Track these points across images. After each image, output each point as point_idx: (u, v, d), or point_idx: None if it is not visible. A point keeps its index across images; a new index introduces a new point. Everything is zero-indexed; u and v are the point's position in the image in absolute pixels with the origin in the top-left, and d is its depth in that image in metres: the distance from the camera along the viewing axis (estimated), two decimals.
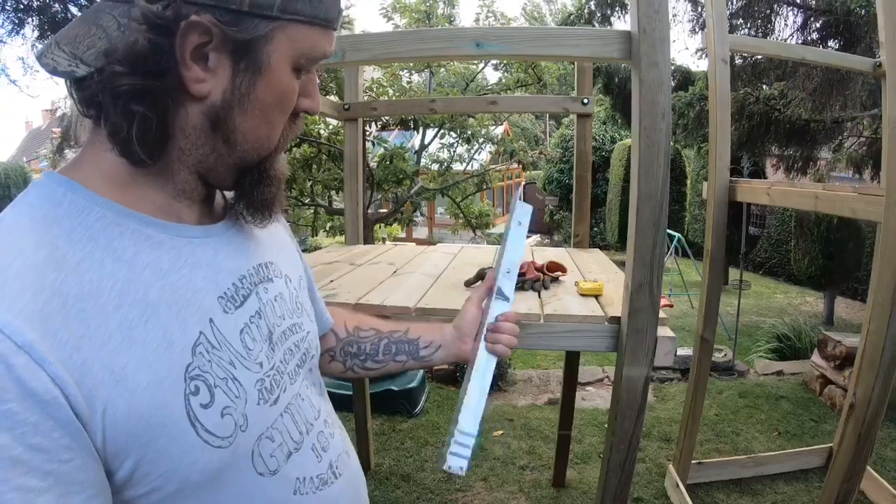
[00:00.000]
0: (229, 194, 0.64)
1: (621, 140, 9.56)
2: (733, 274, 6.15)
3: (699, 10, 3.78)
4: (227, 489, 0.51)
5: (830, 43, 3.38)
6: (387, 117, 4.85)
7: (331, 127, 4.81)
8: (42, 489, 0.38)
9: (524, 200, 0.99)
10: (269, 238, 0.68)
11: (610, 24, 4.60)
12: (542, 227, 13.23)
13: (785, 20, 3.48)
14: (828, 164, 4.42)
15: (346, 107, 2.46)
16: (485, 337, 0.85)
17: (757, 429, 3.13)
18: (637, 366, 1.23)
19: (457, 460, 0.80)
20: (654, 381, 3.98)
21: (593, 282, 1.49)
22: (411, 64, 5.16)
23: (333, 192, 5.37)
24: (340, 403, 3.32)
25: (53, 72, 0.49)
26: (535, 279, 1.56)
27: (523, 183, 17.25)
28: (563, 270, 1.66)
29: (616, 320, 1.28)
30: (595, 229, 11.21)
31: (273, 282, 0.63)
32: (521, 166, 6.28)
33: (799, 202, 1.85)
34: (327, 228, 5.57)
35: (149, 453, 0.45)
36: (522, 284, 1.54)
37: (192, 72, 0.49)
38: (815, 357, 3.49)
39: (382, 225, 6.04)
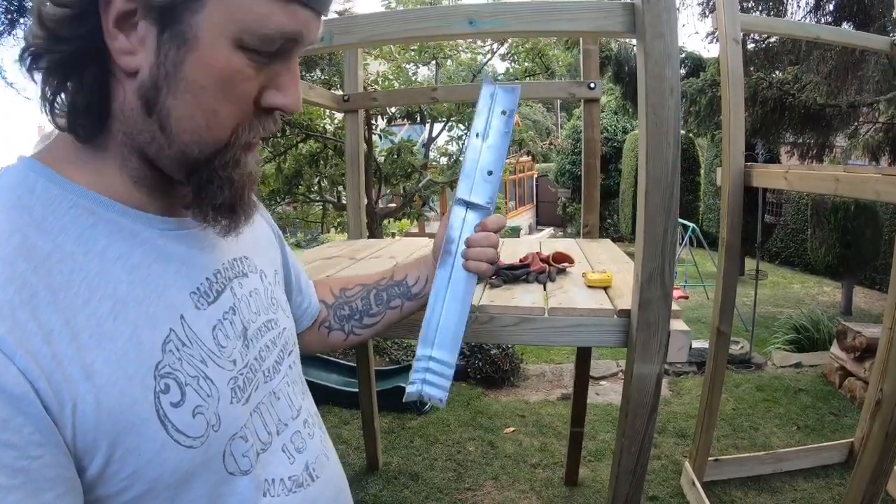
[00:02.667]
0: None
1: (633, 130, 9.41)
2: (749, 264, 6.02)
3: None
4: (197, 489, 0.49)
5: (844, 24, 3.25)
6: (393, 110, 4.78)
7: (336, 121, 4.76)
8: (11, 486, 0.37)
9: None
10: (245, 231, 0.64)
11: None
12: (556, 219, 13.11)
13: (798, 2, 3.37)
14: (843, 151, 4.28)
15: (346, 98, 2.40)
16: (462, 254, 0.76)
17: (775, 423, 3.04)
18: (649, 362, 1.16)
19: (436, 391, 0.74)
20: (669, 374, 3.89)
21: (602, 273, 1.42)
22: (416, 56, 5.09)
23: (341, 188, 5.32)
24: (347, 400, 3.30)
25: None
26: (541, 271, 1.49)
27: (535, 176, 17.13)
28: (571, 261, 1.59)
29: (626, 313, 1.21)
30: (608, 221, 11.10)
31: (248, 277, 0.61)
32: (532, 158, 6.19)
33: (818, 186, 1.76)
34: (336, 224, 5.54)
35: (118, 451, 0.43)
36: (527, 277, 1.48)
37: (118, 42, 0.45)
38: (835, 348, 3.39)
39: (392, 220, 5.98)
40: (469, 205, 0.77)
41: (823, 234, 4.86)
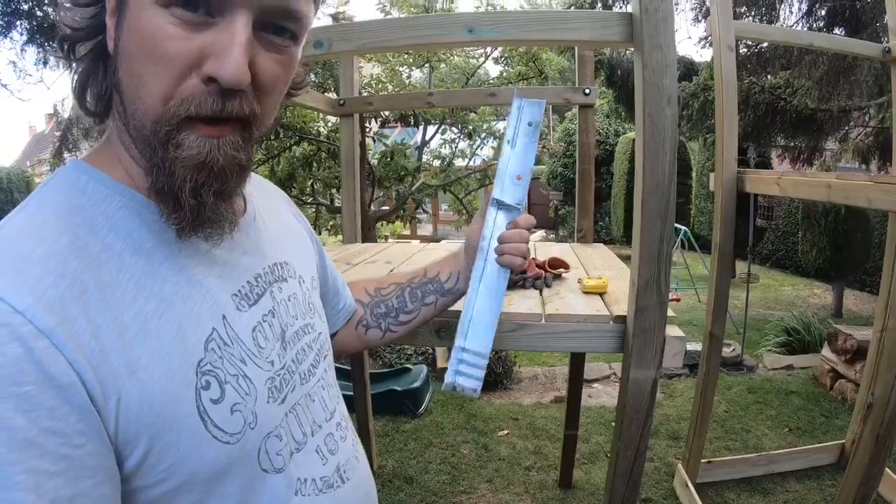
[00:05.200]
0: (247, 192, 0.61)
1: (625, 133, 9.46)
2: (741, 267, 6.08)
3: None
4: (231, 485, 0.50)
5: (836, 30, 3.30)
6: (387, 113, 4.79)
7: (330, 124, 4.76)
8: (53, 473, 0.38)
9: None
10: (285, 236, 0.67)
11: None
12: (547, 222, 13.16)
13: (790, 7, 3.41)
14: (834, 154, 4.33)
15: (341, 102, 2.40)
16: (495, 250, 0.81)
17: (767, 425, 3.07)
18: (644, 367, 1.17)
19: (470, 381, 0.77)
20: (662, 377, 3.91)
21: (597, 279, 1.43)
22: (410, 59, 5.10)
23: (334, 191, 5.32)
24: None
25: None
26: (537, 276, 1.50)
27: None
28: (566, 267, 1.60)
29: (622, 319, 1.22)
30: (600, 223, 11.13)
31: (287, 282, 0.63)
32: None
33: (811, 192, 1.78)
34: (329, 227, 5.53)
35: (158, 444, 0.44)
36: (523, 282, 1.49)
37: (109, 29, 0.47)
38: (826, 351, 3.42)
39: (385, 223, 5.98)
40: (501, 205, 0.82)
41: (814, 237, 4.91)
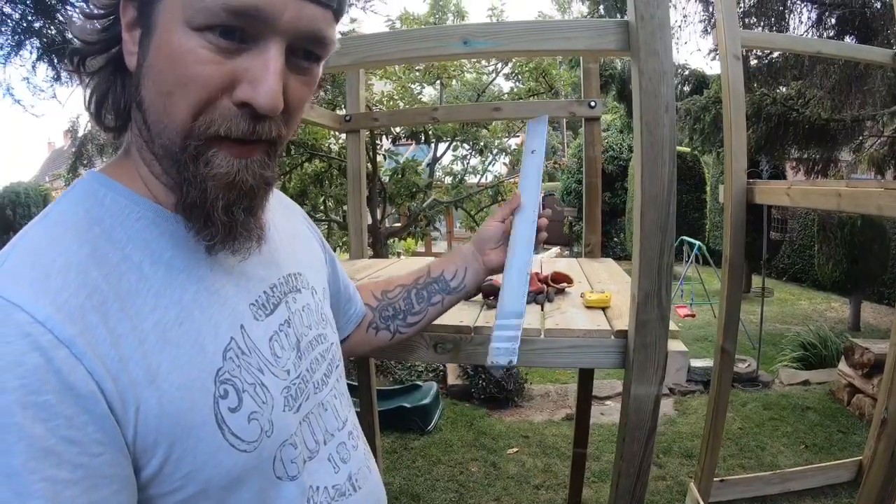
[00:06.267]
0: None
1: None
2: (756, 281, 5.97)
3: (710, 10, 3.69)
4: (246, 492, 0.51)
5: (847, 38, 3.26)
6: (398, 130, 4.83)
7: (341, 141, 4.80)
8: (70, 481, 0.38)
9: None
10: (298, 247, 0.69)
11: None
12: (562, 238, 13.10)
13: (799, 17, 3.38)
14: (849, 165, 4.26)
15: (347, 118, 2.42)
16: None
17: (783, 442, 2.99)
18: (646, 383, 1.14)
19: (502, 356, 0.77)
20: (675, 393, 3.84)
21: (600, 293, 1.41)
22: (422, 76, 5.15)
23: (346, 207, 5.37)
24: None
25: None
26: (539, 291, 1.48)
27: (543, 195, 17.16)
28: (569, 281, 1.58)
29: (623, 334, 1.19)
30: (615, 239, 11.05)
31: (301, 292, 0.64)
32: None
33: (820, 202, 1.75)
34: (341, 244, 5.56)
35: (176, 452, 0.45)
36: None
37: (127, 44, 0.48)
38: (842, 365, 3.34)
39: (397, 239, 6.00)
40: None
41: (830, 249, 4.81)
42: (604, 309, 1.37)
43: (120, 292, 0.45)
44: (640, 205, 1.09)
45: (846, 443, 2.95)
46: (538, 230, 0.90)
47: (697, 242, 5.33)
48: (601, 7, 4.28)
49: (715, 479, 2.43)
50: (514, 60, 5.07)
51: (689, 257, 5.63)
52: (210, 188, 0.47)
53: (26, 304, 0.40)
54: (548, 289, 1.51)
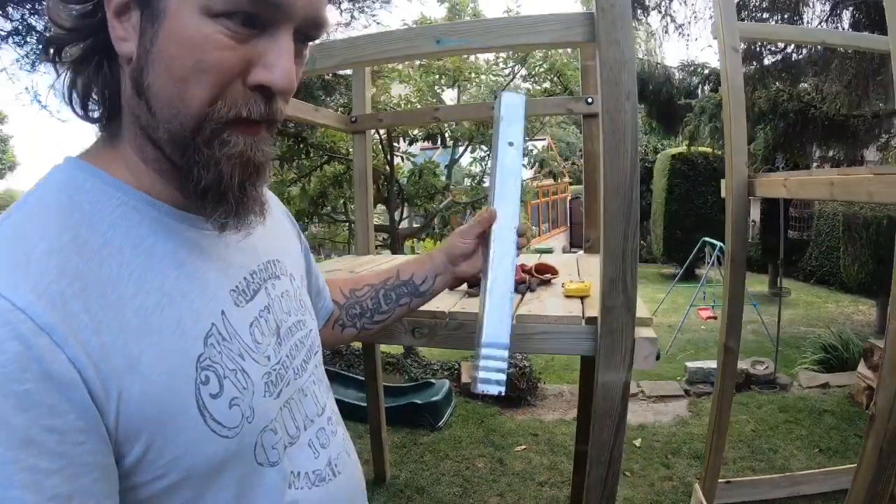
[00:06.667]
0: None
1: (664, 149, 9.26)
2: (785, 283, 5.79)
3: None
4: (228, 479, 0.51)
5: (863, 31, 3.17)
6: (416, 132, 4.89)
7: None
8: (52, 471, 0.38)
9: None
10: (276, 236, 0.69)
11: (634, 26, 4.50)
12: None
13: (813, 9, 3.30)
14: (877, 162, 4.12)
15: (353, 119, 2.49)
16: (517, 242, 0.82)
17: (796, 445, 2.92)
18: (614, 369, 1.16)
19: (493, 386, 0.76)
20: (690, 395, 3.79)
21: (580, 282, 1.43)
22: (442, 79, 5.21)
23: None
24: (356, 414, 3.37)
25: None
26: (521, 281, 1.51)
27: (569, 198, 17.00)
28: (554, 272, 1.61)
29: (594, 321, 1.21)
30: (642, 242, 10.87)
31: (280, 279, 0.64)
32: (566, 179, 6.19)
33: (814, 191, 1.73)
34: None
35: (158, 439, 0.45)
36: None
37: (116, 30, 0.47)
38: (862, 367, 3.23)
39: (417, 240, 6.07)
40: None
41: (856, 250, 4.65)
42: (583, 298, 1.39)
43: (101, 279, 0.44)
44: (603, 193, 1.12)
45: (861, 447, 2.86)
46: (518, 246, 0.83)
47: (719, 244, 5.22)
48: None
49: (721, 480, 2.40)
50: (529, 62, 5.07)
51: (710, 258, 5.53)
52: (225, 168, 0.49)
53: (6, 290, 0.40)
54: (531, 279, 1.54)
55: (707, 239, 5.54)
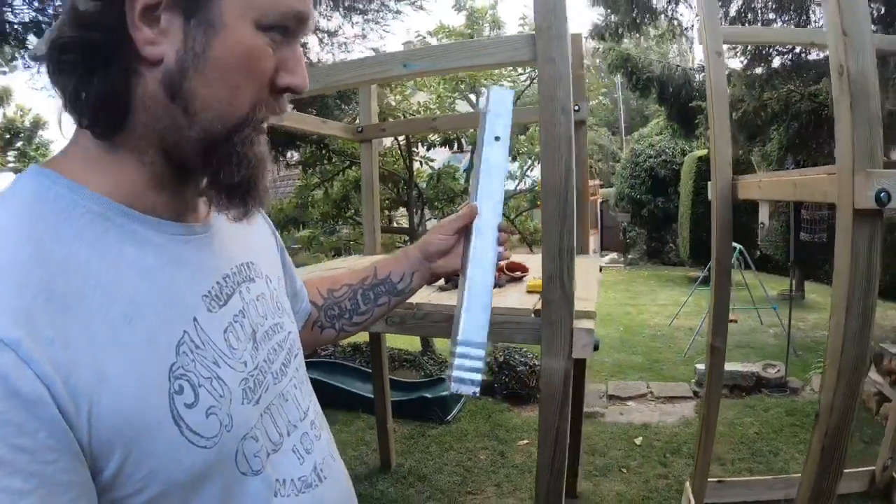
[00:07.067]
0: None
1: (691, 152, 9.13)
2: (808, 288, 5.66)
3: (727, 6, 3.62)
4: (210, 490, 0.50)
5: (872, 27, 3.12)
6: (434, 137, 5.05)
7: (378, 149, 5.10)
8: (26, 491, 0.38)
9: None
10: (250, 237, 0.68)
11: (640, 32, 4.53)
12: (617, 245, 12.83)
13: (822, 9, 3.27)
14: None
15: (359, 129, 2.67)
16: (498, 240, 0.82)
17: (798, 449, 2.91)
18: (555, 357, 1.28)
19: (466, 386, 0.74)
20: (699, 397, 3.79)
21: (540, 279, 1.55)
22: (463, 86, 5.37)
23: (385, 211, 5.67)
24: (363, 405, 3.52)
25: (33, 56, 0.57)
26: None
27: (599, 200, 16.82)
28: (525, 270, 1.73)
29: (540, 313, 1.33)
30: (670, 245, 10.72)
31: (255, 282, 0.63)
32: (596, 181, 6.22)
33: (782, 192, 1.78)
34: (381, 245, 5.86)
35: (133, 452, 0.44)
36: None
37: (143, 33, 0.48)
38: (872, 373, 3.18)
39: None
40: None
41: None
42: (540, 294, 1.51)
43: (67, 291, 0.43)
44: (542, 196, 1.24)
45: (867, 453, 2.82)
46: (499, 249, 0.82)
47: (739, 246, 5.16)
48: (618, 13, 4.31)
49: (714, 479, 2.44)
50: None
51: (730, 261, 5.46)
52: (254, 165, 0.53)
53: None
54: (500, 276, 1.66)
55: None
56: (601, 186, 16.80)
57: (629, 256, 11.76)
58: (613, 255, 13.53)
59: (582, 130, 2.35)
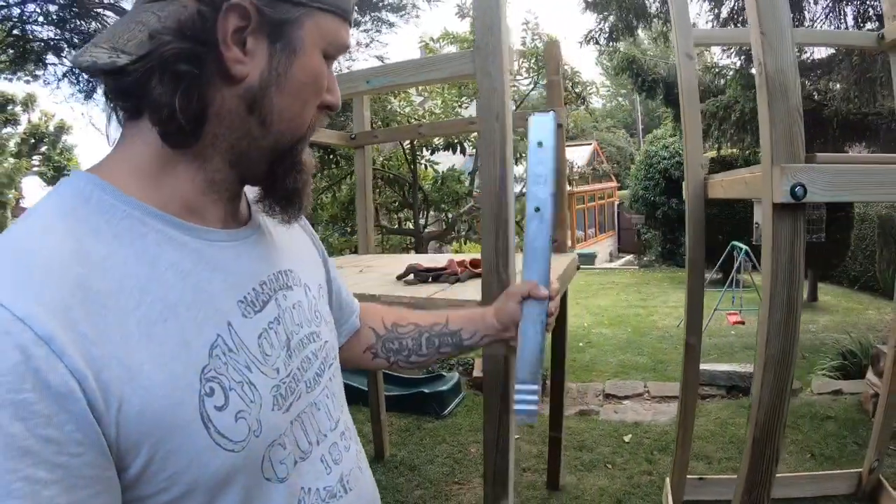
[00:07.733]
0: (251, 196, 0.63)
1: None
2: (822, 291, 5.56)
3: (720, 8, 3.63)
4: (233, 493, 0.50)
5: (868, 26, 3.11)
6: (437, 141, 5.18)
7: (383, 154, 5.26)
8: (49, 481, 0.39)
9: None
10: (290, 245, 0.69)
11: (635, 35, 4.56)
12: (633, 246, 12.76)
13: (816, 7, 3.26)
14: None
15: (353, 136, 2.80)
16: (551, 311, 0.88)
17: (789, 450, 2.91)
18: (495, 345, 1.37)
19: (531, 417, 0.85)
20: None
21: None
22: (468, 91, 5.51)
23: (393, 214, 5.82)
24: (356, 397, 3.67)
25: (93, 67, 0.50)
26: (452, 273, 1.74)
27: (617, 202, 16.74)
28: None
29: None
30: (684, 247, 10.58)
31: (292, 290, 0.63)
32: (612, 182, 6.26)
33: (736, 190, 1.82)
34: (387, 246, 5.99)
35: (160, 451, 0.45)
36: (438, 277, 1.73)
37: (232, 52, 0.51)
38: (870, 374, 3.16)
39: (441, 243, 6.34)
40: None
41: (891, 254, 4.45)
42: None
43: (103, 289, 0.44)
44: (481, 197, 1.34)
45: (858, 455, 2.81)
46: (548, 314, 0.86)
47: (745, 247, 5.14)
48: (610, 19, 4.35)
49: (694, 476, 2.47)
50: (542, 72, 5.25)
51: (736, 262, 5.43)
52: (305, 174, 0.60)
53: (7, 301, 0.40)
54: (463, 271, 1.76)
55: (735, 242, 5.46)
56: (618, 188, 16.73)
57: (644, 259, 11.68)
58: (629, 257, 13.45)
59: (558, 134, 2.43)
